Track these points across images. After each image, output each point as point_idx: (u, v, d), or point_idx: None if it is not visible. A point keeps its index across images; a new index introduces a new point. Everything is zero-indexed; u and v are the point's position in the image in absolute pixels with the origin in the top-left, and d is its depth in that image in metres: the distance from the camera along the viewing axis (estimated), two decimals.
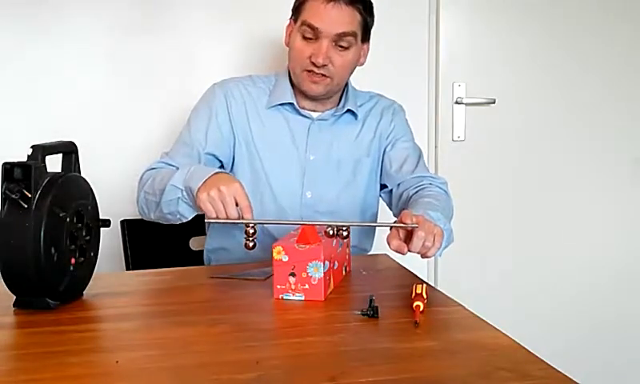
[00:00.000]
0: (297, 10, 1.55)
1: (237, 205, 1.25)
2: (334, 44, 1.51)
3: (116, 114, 2.03)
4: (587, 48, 2.32)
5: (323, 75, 1.53)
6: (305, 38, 1.52)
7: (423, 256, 1.23)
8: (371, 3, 1.56)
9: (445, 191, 1.56)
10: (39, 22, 1.97)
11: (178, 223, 1.44)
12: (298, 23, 1.53)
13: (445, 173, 2.19)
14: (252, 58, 2.07)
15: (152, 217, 1.49)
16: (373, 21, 1.58)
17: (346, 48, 1.53)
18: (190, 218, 1.42)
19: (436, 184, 1.56)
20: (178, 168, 1.45)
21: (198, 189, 1.29)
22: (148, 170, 1.54)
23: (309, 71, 1.53)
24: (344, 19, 1.50)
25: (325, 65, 1.51)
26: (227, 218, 1.25)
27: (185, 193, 1.36)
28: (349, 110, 1.64)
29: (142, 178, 1.53)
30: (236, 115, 1.60)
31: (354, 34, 1.52)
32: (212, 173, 1.32)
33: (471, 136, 2.28)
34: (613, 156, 2.38)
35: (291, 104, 1.61)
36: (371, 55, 1.64)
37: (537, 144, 2.33)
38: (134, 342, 1.02)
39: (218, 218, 1.26)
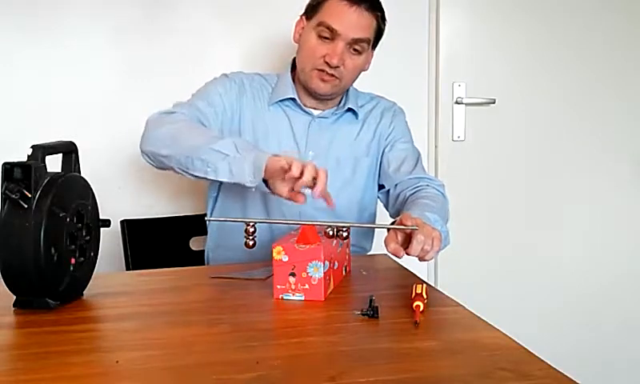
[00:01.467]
0: (314, 9, 1.55)
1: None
2: (348, 47, 1.52)
3: (116, 114, 2.03)
4: (587, 48, 2.32)
5: (333, 76, 1.54)
6: (320, 37, 1.52)
7: (421, 259, 1.22)
8: (385, 13, 1.57)
9: (442, 193, 1.56)
10: (39, 22, 1.97)
11: (200, 178, 1.39)
12: (314, 22, 1.53)
13: (445, 173, 2.20)
14: (255, 58, 2.07)
15: (168, 162, 1.43)
16: (384, 31, 1.60)
17: (359, 52, 1.54)
18: (221, 180, 1.37)
19: (433, 186, 1.56)
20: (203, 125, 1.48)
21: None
22: (164, 113, 1.51)
23: (320, 70, 1.54)
24: (363, 24, 1.51)
25: (338, 66, 1.52)
26: (246, 220, 1.22)
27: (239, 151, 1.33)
28: (350, 109, 1.64)
29: (156, 118, 1.50)
30: (245, 106, 1.62)
31: (368, 41, 1.54)
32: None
33: (471, 136, 2.28)
34: (613, 156, 2.39)
35: (293, 100, 1.61)
36: None
37: (537, 144, 2.33)
38: (133, 341, 1.02)
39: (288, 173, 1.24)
